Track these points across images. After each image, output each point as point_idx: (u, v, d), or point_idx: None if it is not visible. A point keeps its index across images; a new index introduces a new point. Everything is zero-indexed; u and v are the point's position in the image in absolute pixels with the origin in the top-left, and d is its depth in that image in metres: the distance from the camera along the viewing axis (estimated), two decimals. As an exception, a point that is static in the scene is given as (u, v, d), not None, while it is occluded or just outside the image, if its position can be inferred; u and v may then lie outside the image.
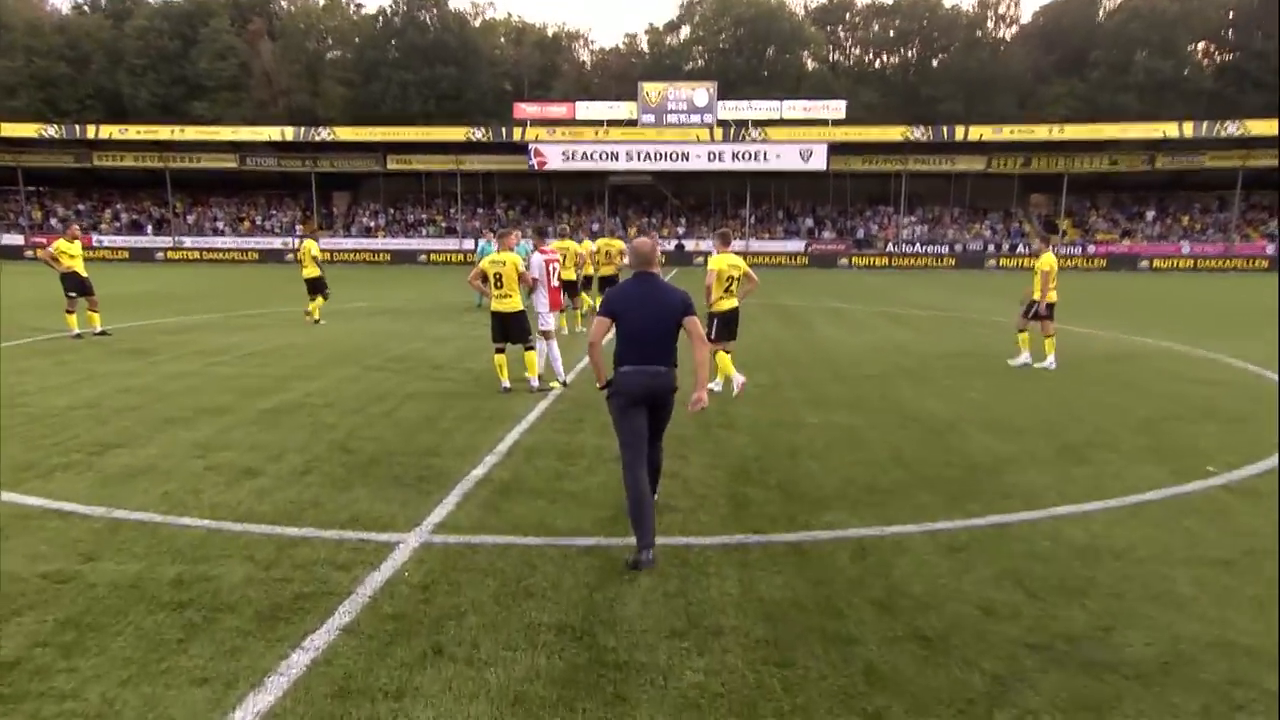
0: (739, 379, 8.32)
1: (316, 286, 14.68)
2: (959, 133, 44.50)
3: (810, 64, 71.32)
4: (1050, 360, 10.19)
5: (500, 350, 8.36)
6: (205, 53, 63.03)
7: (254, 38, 64.20)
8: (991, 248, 46.79)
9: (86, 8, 68.69)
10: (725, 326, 8.60)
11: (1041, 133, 44.11)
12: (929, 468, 5.75)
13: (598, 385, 4.58)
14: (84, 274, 12.01)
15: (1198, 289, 27.43)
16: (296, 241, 48.14)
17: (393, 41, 65.86)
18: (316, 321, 14.34)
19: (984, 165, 46.79)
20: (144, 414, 7.01)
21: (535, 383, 8.34)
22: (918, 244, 47.76)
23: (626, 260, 13.95)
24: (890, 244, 47.83)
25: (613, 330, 4.34)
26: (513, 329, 8.24)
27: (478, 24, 71.19)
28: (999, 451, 6.21)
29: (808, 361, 10.61)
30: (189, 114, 59.77)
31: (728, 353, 8.78)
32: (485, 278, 8.21)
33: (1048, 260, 10.29)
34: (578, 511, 4.76)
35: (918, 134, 44.58)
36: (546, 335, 8.90)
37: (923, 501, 5.00)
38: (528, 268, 8.57)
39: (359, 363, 9.93)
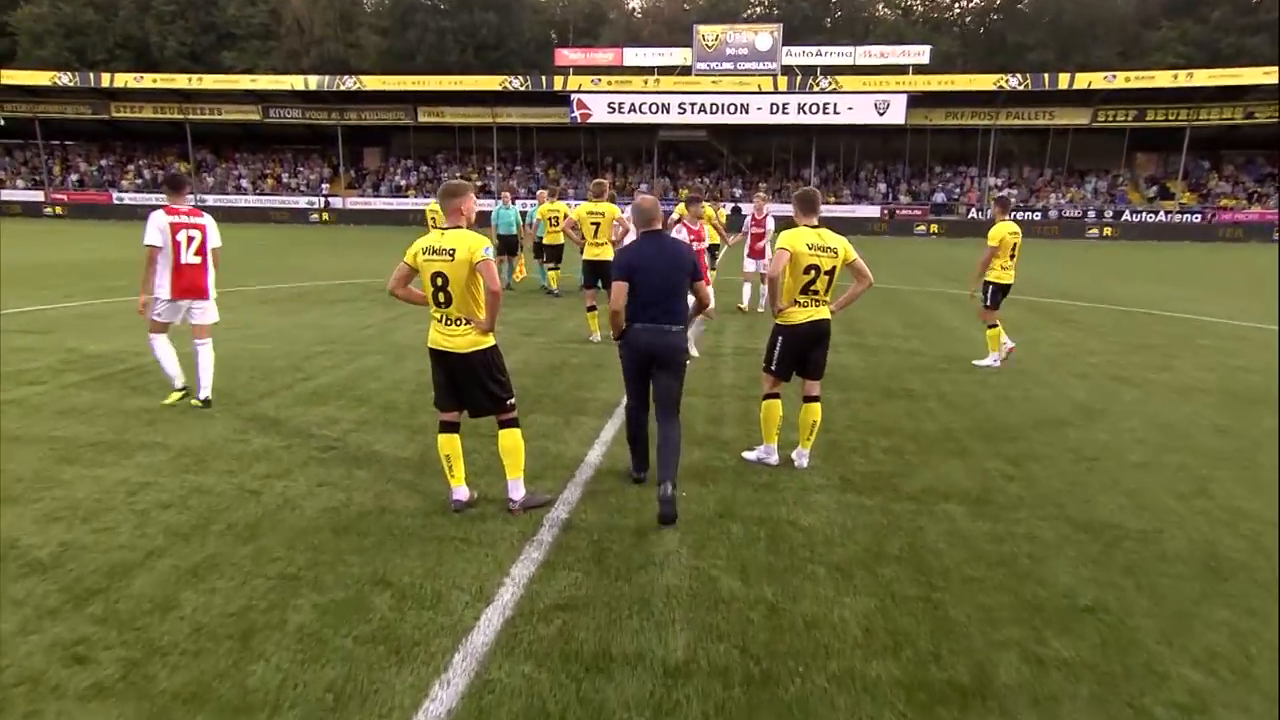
0: (764, 451, 4.94)
1: None
2: (1062, 81, 38.52)
3: (881, 9, 64.74)
4: (993, 358, 8.07)
5: (450, 427, 4.19)
6: (234, -1, 59.67)
7: (285, -18, 60.44)
8: (1092, 214, 40.94)
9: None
10: (798, 352, 4.73)
11: (1164, 79, 37.77)
12: None
13: (614, 338, 4.53)
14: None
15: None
16: (321, 201, 44.88)
17: (430, -15, 61.50)
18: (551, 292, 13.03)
19: (1088, 119, 40.68)
20: None
21: (518, 497, 4.17)
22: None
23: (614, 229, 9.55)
24: (974, 210, 42.26)
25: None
26: (467, 385, 4.14)
27: (521, -33, 66.07)
28: None
29: (1002, 415, 6.25)
30: (218, 64, 56.62)
31: (812, 400, 4.82)
32: (409, 279, 4.14)
33: (998, 232, 7.89)
34: None
35: (1014, 83, 38.73)
36: (198, 333, 6.05)
37: None
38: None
39: (242, 407, 5.97)
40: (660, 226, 4.46)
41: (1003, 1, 62.94)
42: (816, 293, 4.63)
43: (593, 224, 9.22)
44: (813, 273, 4.55)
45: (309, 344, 8.46)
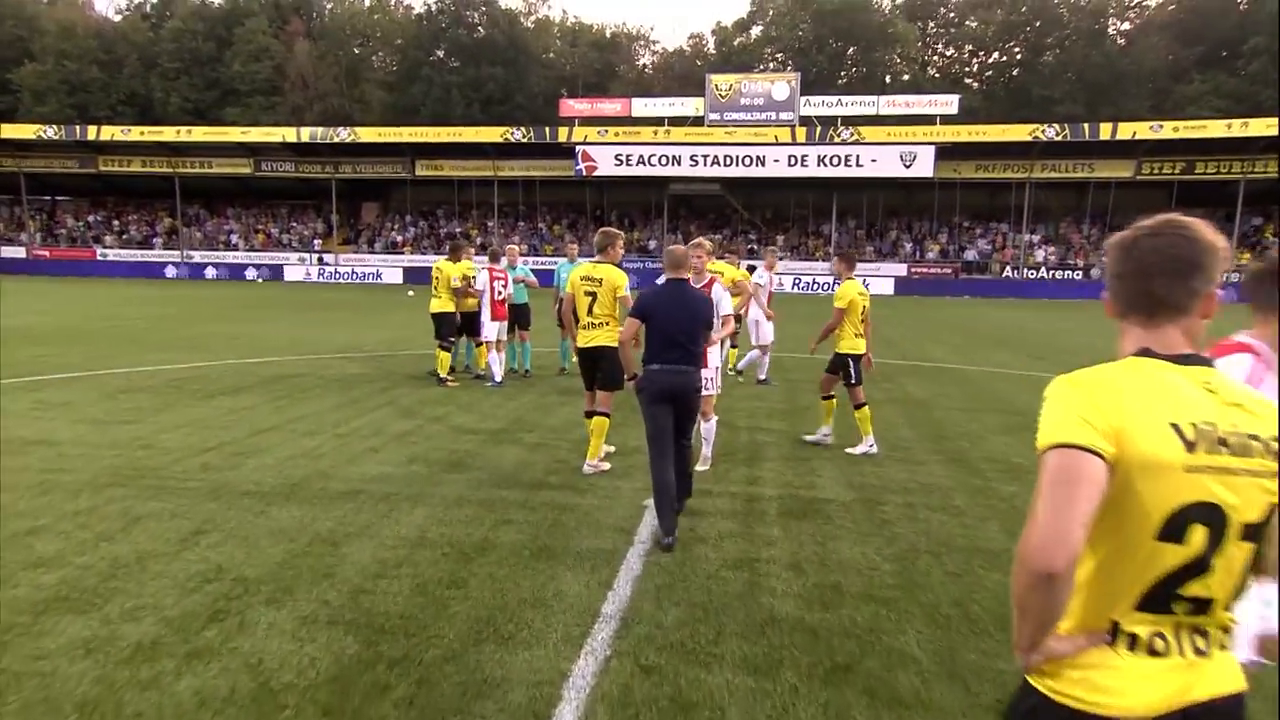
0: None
1: (446, 328, 9.92)
2: (1104, 131, 35.80)
3: (899, 63, 63.20)
4: (868, 443, 6.59)
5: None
6: (239, 55, 58.83)
7: (291, 38, 59.61)
8: (1139, 274, 37.61)
9: (129, 11, 65.45)
10: None
11: (1216, 128, 34.96)
12: None
13: (627, 377, 4.99)
14: None
15: None
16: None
17: (438, 41, 60.52)
18: (442, 380, 9.67)
19: (1132, 172, 37.83)
20: None
21: None
22: (1044, 269, 38.97)
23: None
24: (1009, 268, 39.17)
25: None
26: None
27: (530, 23, 65.43)
28: None
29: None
30: (221, 120, 55.26)
31: None
32: None
33: (846, 292, 6.60)
34: None
35: (1050, 133, 36.03)
36: None
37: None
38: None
39: None
40: (688, 275, 4.88)
41: (1024, 56, 61.23)
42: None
43: (587, 295, 5.91)
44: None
45: (75, 488, 5.17)
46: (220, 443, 6.53)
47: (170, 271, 42.04)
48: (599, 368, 5.95)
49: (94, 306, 20.98)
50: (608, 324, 5.89)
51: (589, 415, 6.13)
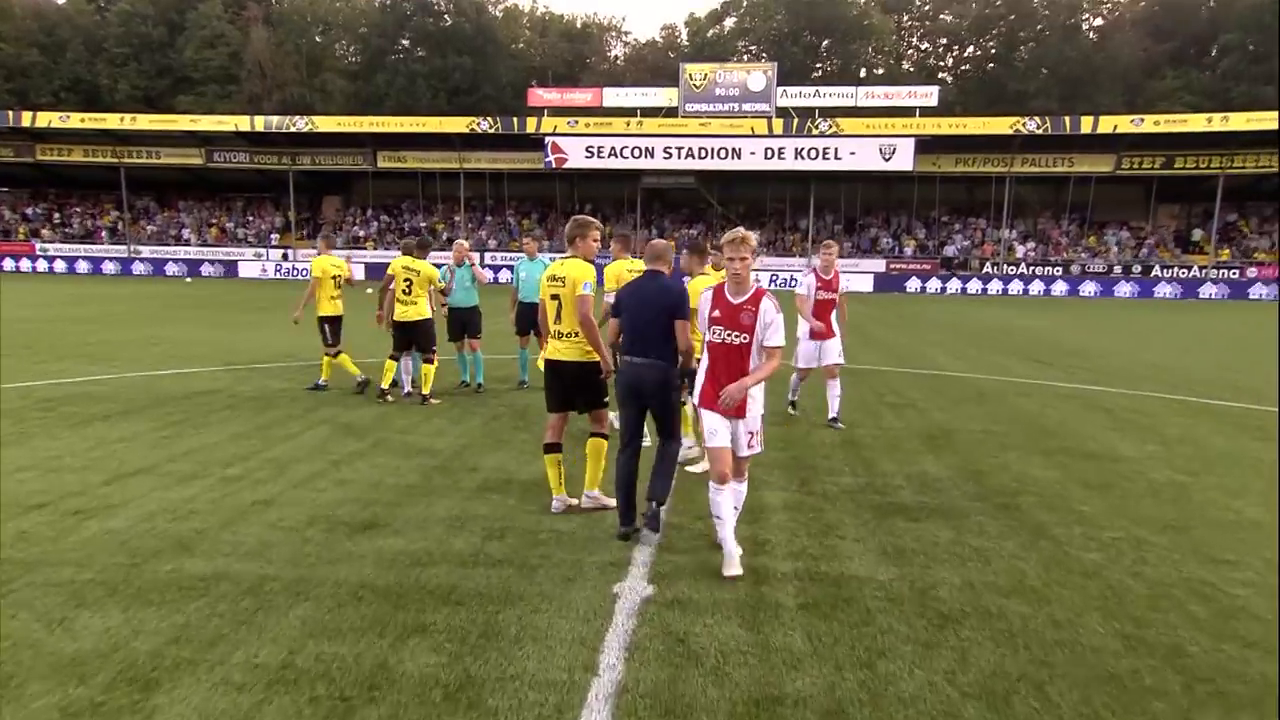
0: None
1: (428, 337, 8.47)
2: (1085, 124, 35.06)
3: (874, 57, 62.43)
4: (688, 443, 5.89)
5: None
6: (193, 40, 56.17)
7: (248, 24, 56.99)
8: (1119, 269, 37.21)
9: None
10: None
11: (1197, 122, 34.39)
12: None
13: (608, 370, 4.71)
14: None
15: None
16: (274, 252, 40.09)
17: (403, 29, 58.33)
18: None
19: (1112, 166, 37.21)
20: None
21: None
22: (1023, 264, 38.24)
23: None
24: (989, 265, 38.38)
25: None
26: None
27: (498, 12, 63.50)
28: None
29: None
30: (174, 110, 52.63)
31: None
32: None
33: (695, 288, 5.36)
34: None
35: (1031, 126, 35.25)
36: None
37: None
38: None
39: None
40: (666, 269, 4.60)
41: (998, 50, 60.78)
42: None
43: (552, 299, 4.82)
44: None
45: None
46: (63, 494, 5.01)
47: (113, 267, 39.78)
48: (573, 389, 4.78)
49: (9, 308, 19.02)
50: (577, 334, 4.70)
51: (548, 449, 4.89)
